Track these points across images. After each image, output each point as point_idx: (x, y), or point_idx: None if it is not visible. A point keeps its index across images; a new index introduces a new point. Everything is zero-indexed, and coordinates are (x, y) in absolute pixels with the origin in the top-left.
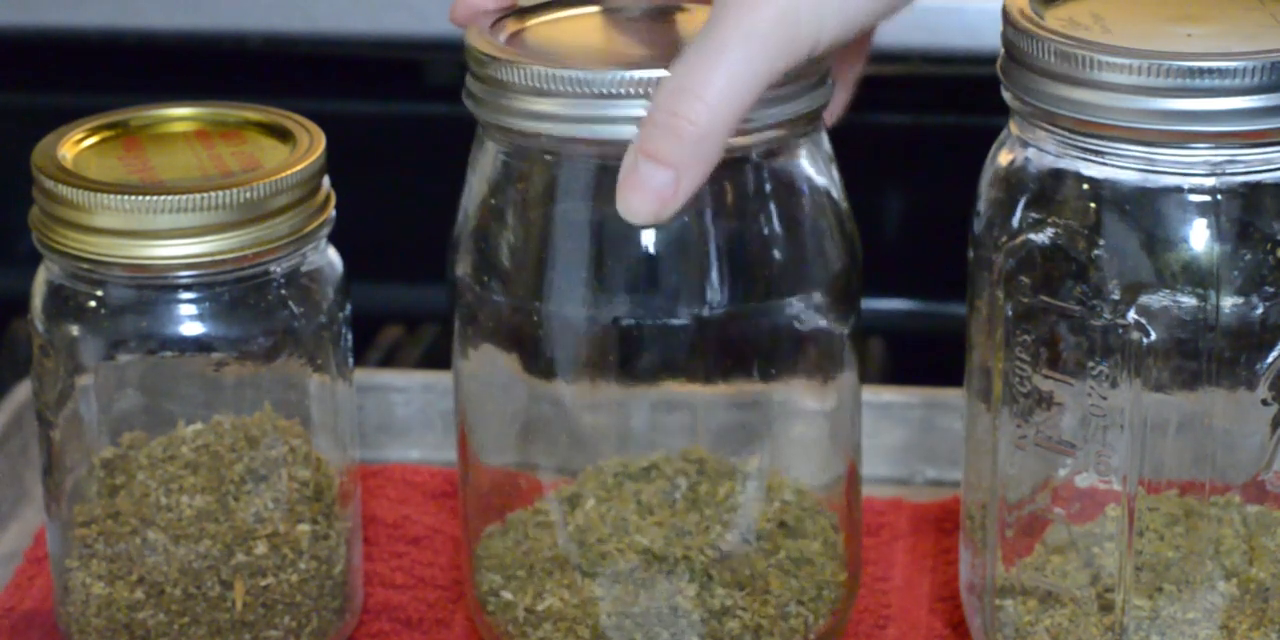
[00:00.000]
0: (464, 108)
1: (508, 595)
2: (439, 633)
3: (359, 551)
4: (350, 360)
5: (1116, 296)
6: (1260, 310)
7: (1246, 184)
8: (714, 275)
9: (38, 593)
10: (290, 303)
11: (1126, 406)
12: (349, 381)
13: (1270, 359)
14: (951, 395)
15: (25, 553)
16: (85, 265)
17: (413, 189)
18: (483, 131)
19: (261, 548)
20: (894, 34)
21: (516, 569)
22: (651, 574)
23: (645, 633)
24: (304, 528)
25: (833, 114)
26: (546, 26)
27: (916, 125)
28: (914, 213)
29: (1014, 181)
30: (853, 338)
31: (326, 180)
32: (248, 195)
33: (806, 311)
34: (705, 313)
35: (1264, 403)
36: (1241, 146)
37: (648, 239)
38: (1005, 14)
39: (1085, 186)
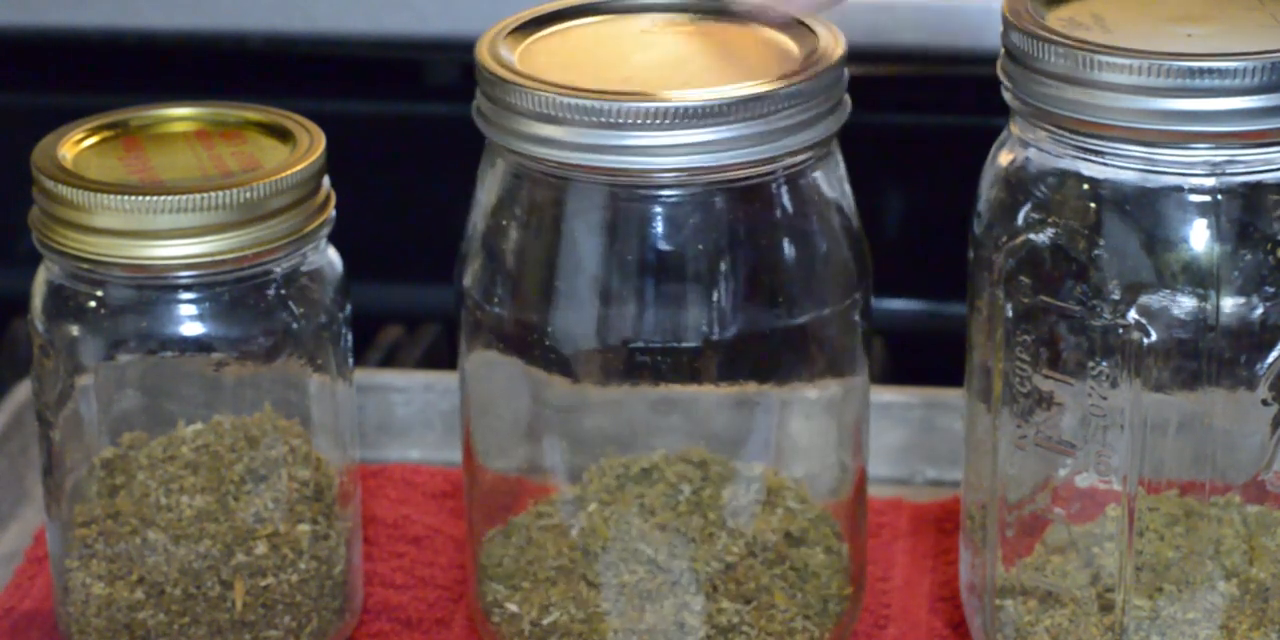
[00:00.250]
0: (464, 108)
1: (513, 607)
2: (439, 633)
3: (359, 551)
4: (350, 360)
5: (1117, 296)
6: (1260, 310)
7: (1246, 184)
8: (725, 299)
9: (38, 593)
10: (290, 303)
11: (1126, 406)
12: (349, 381)
13: (1270, 359)
14: (951, 395)
15: (25, 553)
16: (85, 265)
17: (413, 189)
18: (492, 149)
19: (261, 548)
20: (894, 34)
21: (521, 579)
22: (657, 585)
23: None
24: (304, 528)
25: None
26: (560, 38)
27: (916, 125)
28: (914, 213)
29: (1014, 182)
30: (863, 350)
31: (326, 180)
32: (248, 195)
33: (817, 330)
34: (715, 336)
35: (1264, 403)
36: (1242, 146)
37: (657, 263)
38: (1005, 14)
39: (1085, 186)
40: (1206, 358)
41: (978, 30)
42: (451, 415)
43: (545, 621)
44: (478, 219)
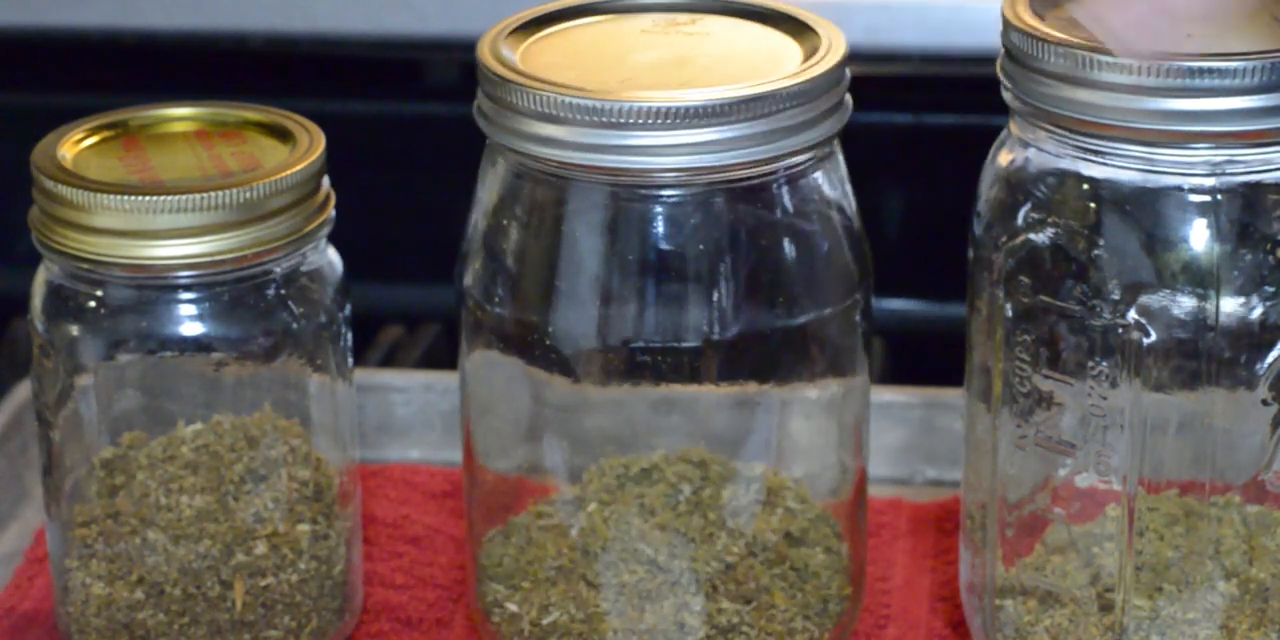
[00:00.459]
0: (464, 108)
1: (512, 607)
2: (439, 633)
3: (359, 551)
4: (350, 360)
5: (1116, 296)
6: (1260, 310)
7: (1246, 184)
8: (725, 299)
9: (38, 593)
10: (290, 303)
11: (1126, 406)
12: (349, 381)
13: (1270, 359)
14: (951, 395)
15: (25, 553)
16: (85, 265)
17: (413, 189)
18: (493, 148)
19: (261, 548)
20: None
21: (521, 579)
22: (657, 585)
23: None
24: (304, 528)
25: None
26: (561, 38)
27: (916, 125)
28: (914, 212)
29: (1014, 181)
30: (863, 350)
31: (326, 180)
32: (247, 195)
33: (817, 330)
34: (716, 336)
35: (1264, 403)
36: (1241, 146)
37: (658, 263)
38: (1005, 14)
39: (1085, 186)
40: (1206, 358)
41: (978, 30)
42: (451, 415)
43: (545, 621)
44: (478, 219)
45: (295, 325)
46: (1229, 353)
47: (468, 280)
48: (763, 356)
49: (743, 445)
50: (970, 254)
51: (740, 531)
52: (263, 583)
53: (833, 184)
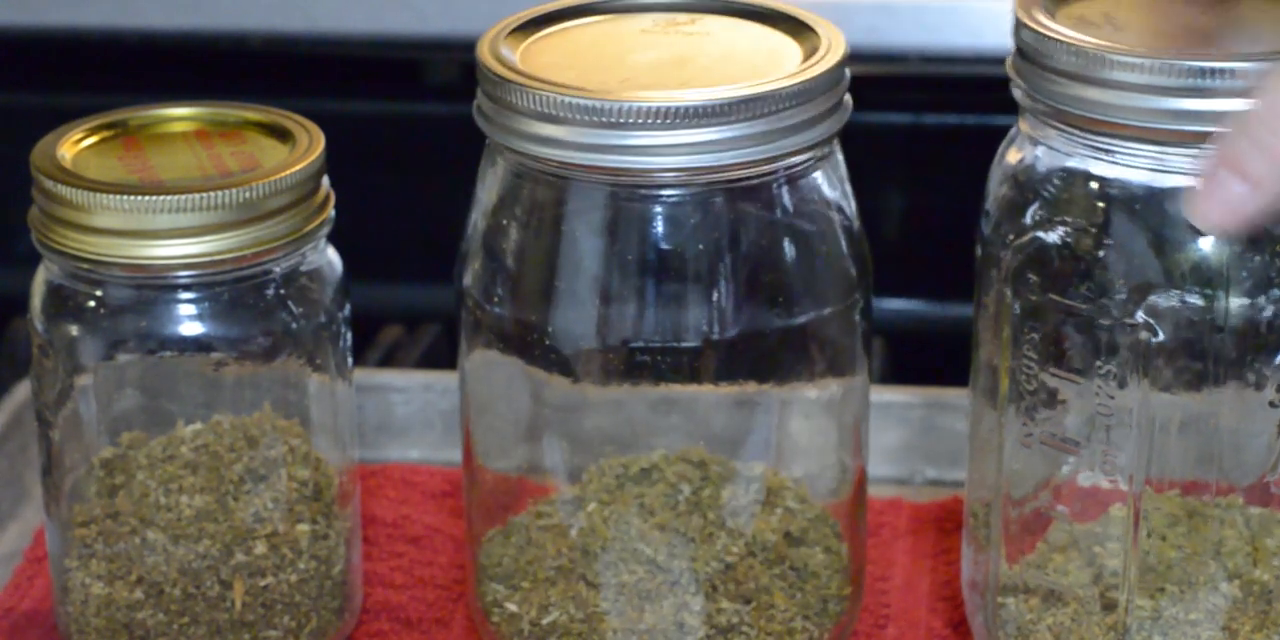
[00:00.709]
0: (464, 108)
1: (512, 607)
2: (438, 632)
3: (358, 551)
4: (349, 360)
5: (1124, 296)
6: (1268, 312)
7: None
8: (725, 299)
9: (37, 593)
10: (290, 302)
11: (1133, 406)
12: (348, 381)
13: (1278, 360)
14: (951, 395)
15: (25, 552)
16: (85, 265)
17: (412, 189)
18: (493, 148)
19: (261, 547)
20: (894, 34)
21: (520, 579)
22: (656, 585)
23: None
24: (303, 527)
25: None
26: (561, 38)
27: (916, 125)
28: (914, 212)
29: (1023, 180)
30: (863, 350)
31: (326, 180)
32: (247, 195)
33: (817, 330)
34: (715, 336)
35: (1271, 404)
36: None
37: (657, 263)
38: (1017, 12)
39: (1095, 185)
40: (1214, 358)
41: (978, 30)
42: (451, 415)
43: (545, 621)
44: (478, 218)
45: (295, 325)
46: (1236, 354)
47: (467, 280)
48: (762, 356)
49: (742, 445)
50: (978, 252)
51: (740, 531)
52: (262, 583)
53: (832, 184)
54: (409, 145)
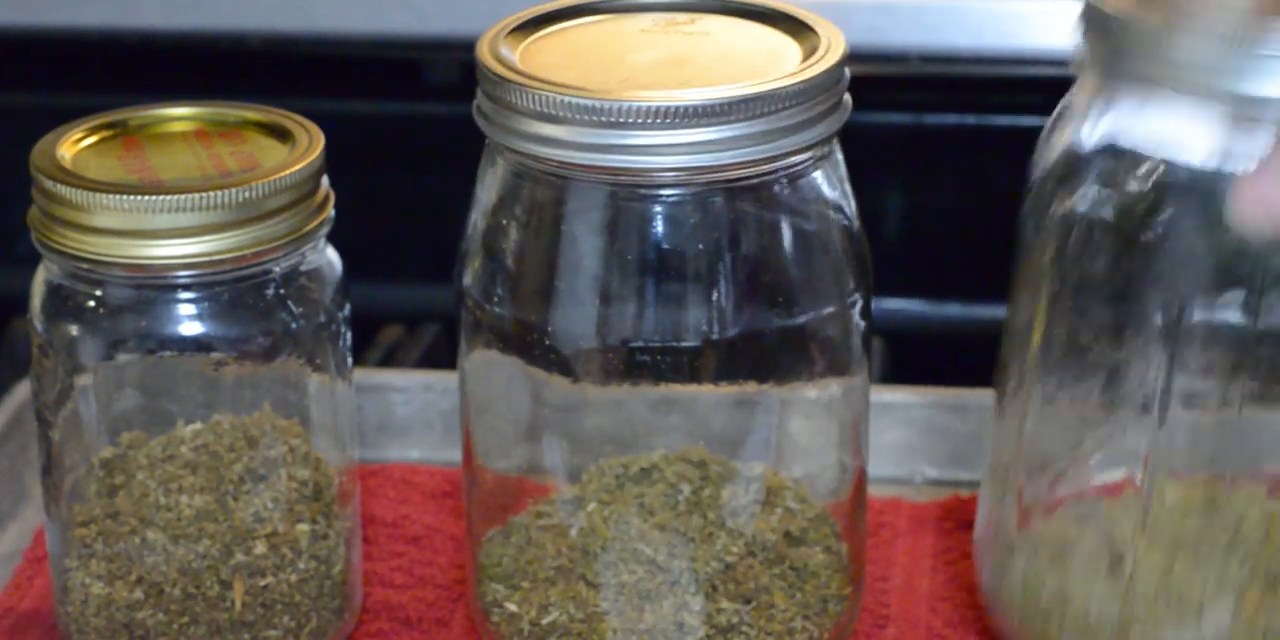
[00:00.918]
0: (464, 108)
1: (512, 607)
2: (438, 632)
3: (358, 551)
4: (349, 360)
5: (1167, 276)
6: None
7: None
8: (725, 299)
9: (37, 593)
10: (289, 302)
11: (1159, 385)
12: (348, 381)
13: None
14: (951, 395)
15: (25, 552)
16: (84, 265)
17: (412, 189)
18: (492, 148)
19: (260, 547)
20: (894, 34)
21: (520, 579)
22: (656, 585)
23: None
24: (303, 527)
25: None
26: (561, 38)
27: (916, 125)
28: (914, 212)
29: (1071, 155)
30: (863, 350)
31: (325, 180)
32: (246, 195)
33: (817, 330)
34: (715, 335)
35: None
36: None
37: (657, 262)
38: None
39: (1147, 163)
40: (1251, 345)
41: (978, 30)
42: (451, 415)
43: (544, 621)
44: (478, 218)
45: (294, 325)
46: (1273, 343)
47: (467, 280)
48: (762, 356)
49: (742, 445)
50: (1022, 222)
51: (740, 531)
52: (262, 582)
53: (832, 184)
54: (409, 145)
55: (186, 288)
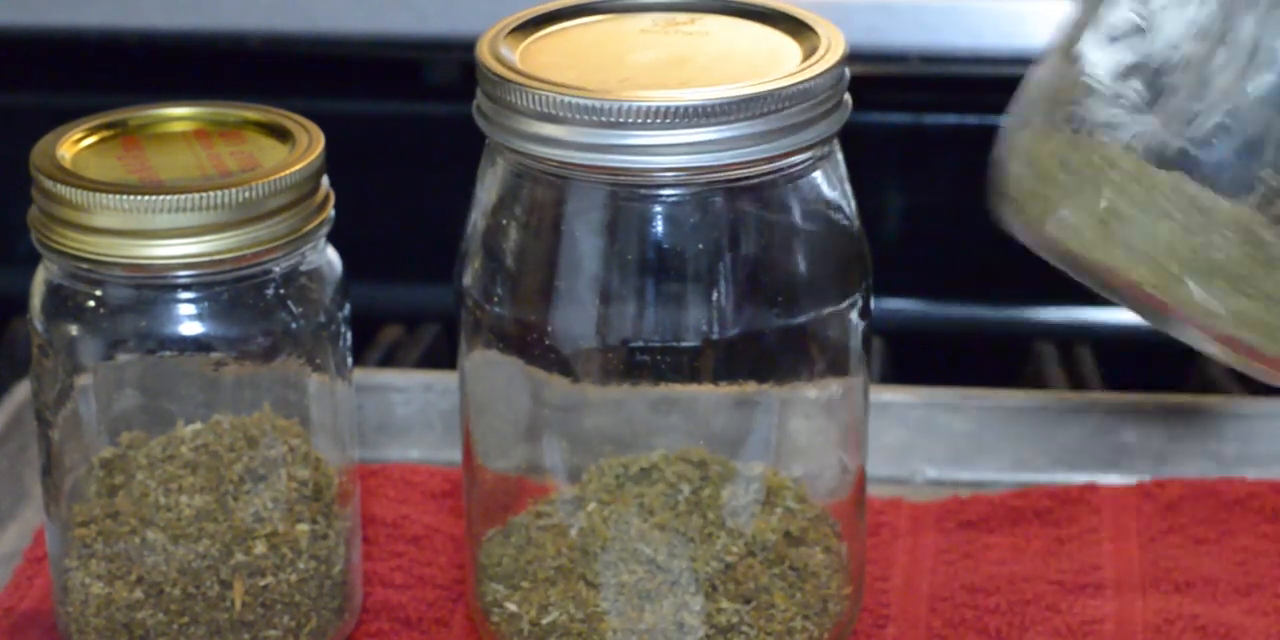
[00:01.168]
0: (464, 108)
1: (512, 607)
2: (438, 632)
3: (358, 551)
4: (349, 360)
5: None
6: None
7: None
8: (725, 299)
9: (37, 593)
10: (289, 302)
11: None
12: (348, 381)
13: None
14: (952, 395)
15: (25, 552)
16: (84, 265)
17: (412, 189)
18: (492, 148)
19: (260, 547)
20: (894, 34)
21: (520, 579)
22: (656, 585)
23: None
24: (303, 527)
25: None
26: (561, 38)
27: (916, 125)
28: (914, 212)
29: None
30: (863, 350)
31: (325, 180)
32: (246, 195)
33: (817, 330)
34: (715, 335)
35: None
36: None
37: (657, 262)
38: None
39: None
40: None
41: (978, 30)
42: (451, 415)
43: (544, 621)
44: (478, 218)
45: (294, 325)
46: None
47: (467, 280)
48: (762, 356)
49: (742, 445)
50: None
51: (740, 531)
52: (262, 582)
53: (832, 184)
54: (409, 145)
55: (186, 288)
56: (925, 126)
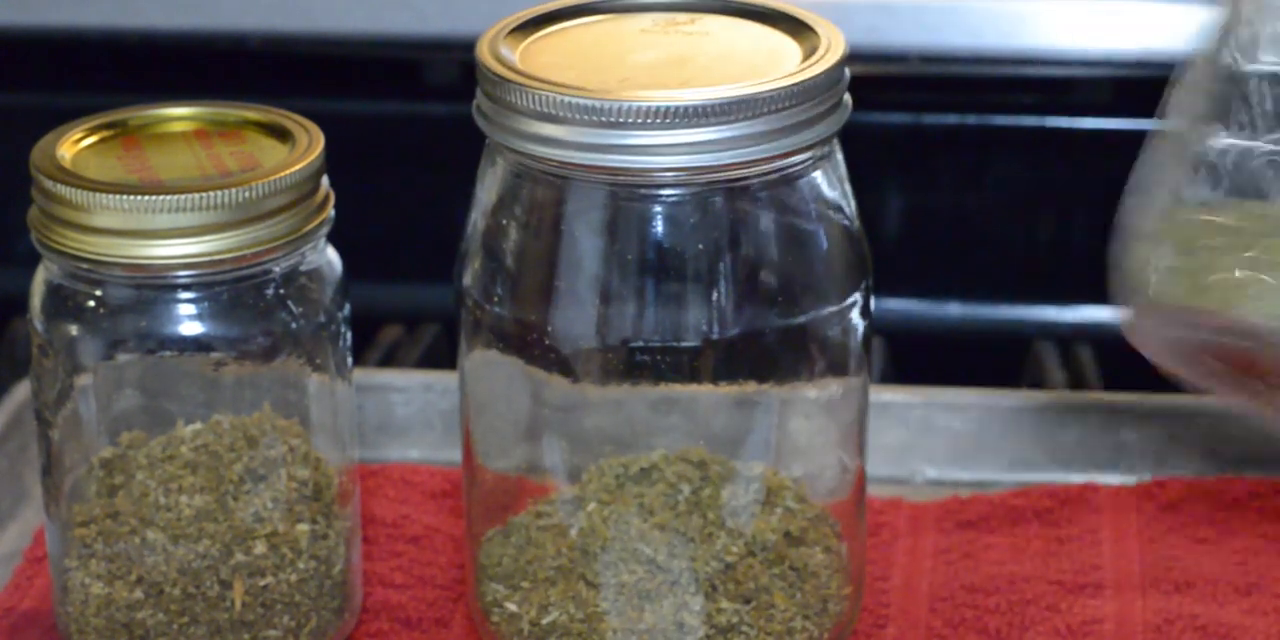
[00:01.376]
0: (464, 108)
1: (512, 607)
2: (438, 632)
3: (358, 551)
4: (349, 360)
5: None
6: None
7: None
8: (725, 299)
9: (37, 593)
10: (289, 302)
11: None
12: (348, 381)
13: None
14: (952, 395)
15: (25, 552)
16: (84, 265)
17: (412, 189)
18: (492, 148)
19: (260, 547)
20: (894, 34)
21: (520, 579)
22: (656, 585)
23: None
24: (303, 527)
25: None
26: (560, 38)
27: (916, 125)
28: (914, 212)
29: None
30: (863, 350)
31: (325, 180)
32: (246, 195)
33: (817, 329)
34: (715, 335)
35: None
36: None
37: (657, 262)
38: None
39: None
40: None
41: (978, 30)
42: (451, 415)
43: (544, 621)
44: (478, 218)
45: (294, 325)
46: None
47: (467, 280)
48: (762, 356)
49: (742, 445)
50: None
51: (740, 531)
52: (262, 582)
53: (832, 184)
54: (409, 145)
55: (186, 288)
56: (925, 126)
